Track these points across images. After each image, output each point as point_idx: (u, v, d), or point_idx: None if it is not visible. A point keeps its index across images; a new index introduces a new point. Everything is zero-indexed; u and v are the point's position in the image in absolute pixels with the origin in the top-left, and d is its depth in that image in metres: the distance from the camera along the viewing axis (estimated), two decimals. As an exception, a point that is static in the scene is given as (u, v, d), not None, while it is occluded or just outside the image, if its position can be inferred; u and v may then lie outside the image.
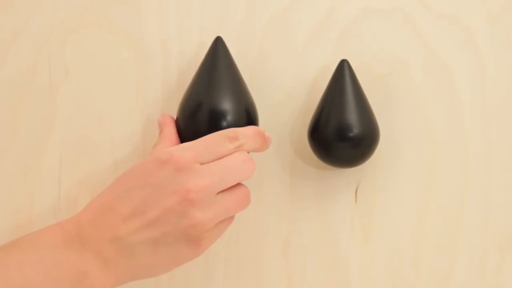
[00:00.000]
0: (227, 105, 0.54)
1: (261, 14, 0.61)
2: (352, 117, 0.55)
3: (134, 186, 0.47)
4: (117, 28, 0.61)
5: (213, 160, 0.49)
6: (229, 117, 0.54)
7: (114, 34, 0.61)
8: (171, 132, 0.55)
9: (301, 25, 0.61)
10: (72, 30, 0.61)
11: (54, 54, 0.60)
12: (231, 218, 0.51)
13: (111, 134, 0.60)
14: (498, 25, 0.61)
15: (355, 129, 0.55)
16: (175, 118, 0.57)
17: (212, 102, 0.54)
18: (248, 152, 0.52)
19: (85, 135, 0.60)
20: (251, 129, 0.52)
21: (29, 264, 0.45)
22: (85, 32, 0.61)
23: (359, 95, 0.56)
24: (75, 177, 0.60)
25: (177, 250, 0.47)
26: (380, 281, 0.59)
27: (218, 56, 0.56)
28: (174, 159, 0.47)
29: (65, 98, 0.60)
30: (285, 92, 0.60)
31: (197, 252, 0.48)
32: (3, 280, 0.44)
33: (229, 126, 0.54)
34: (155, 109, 0.60)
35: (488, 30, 0.60)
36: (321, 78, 0.60)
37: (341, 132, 0.55)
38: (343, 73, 0.56)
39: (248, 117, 0.55)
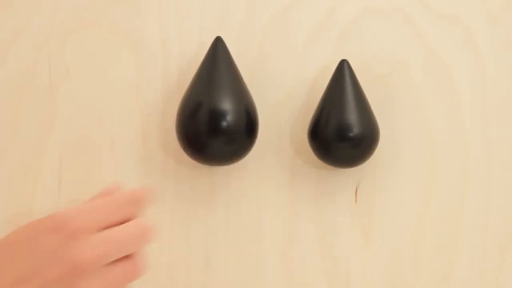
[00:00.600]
0: (227, 105, 0.54)
1: (261, 14, 0.61)
2: (352, 117, 0.55)
3: (21, 252, 0.46)
4: (117, 28, 0.60)
5: (107, 228, 0.47)
6: (229, 117, 0.54)
7: (114, 34, 0.60)
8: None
9: (301, 25, 0.61)
10: (72, 30, 0.61)
11: (54, 54, 0.60)
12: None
13: (111, 134, 0.60)
14: (498, 25, 0.61)
15: (355, 129, 0.55)
16: (175, 118, 0.57)
17: (212, 102, 0.54)
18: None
19: (85, 135, 0.60)
20: (135, 194, 0.49)
21: None
22: (85, 32, 0.60)
23: (359, 95, 0.56)
24: (75, 177, 0.60)
25: None
26: (380, 281, 0.59)
27: (218, 56, 0.56)
28: (65, 225, 0.45)
29: (65, 98, 0.60)
30: (285, 92, 0.60)
31: None
32: None
33: (229, 126, 0.54)
34: (155, 109, 0.60)
35: (488, 30, 0.60)
36: (321, 78, 0.60)
37: (341, 132, 0.55)
38: (343, 73, 0.56)
39: (248, 117, 0.55)
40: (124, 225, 0.48)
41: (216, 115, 0.54)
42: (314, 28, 0.61)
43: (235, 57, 0.57)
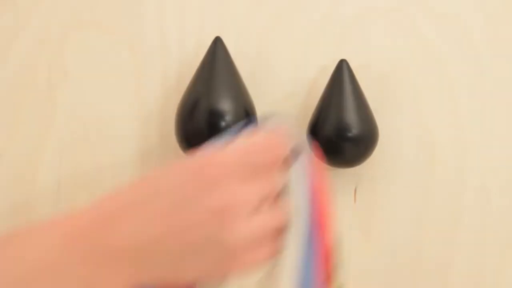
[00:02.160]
0: (226, 105, 0.54)
1: (261, 14, 0.61)
2: (351, 117, 0.55)
3: (162, 191, 0.44)
4: (117, 28, 0.61)
5: (250, 174, 0.45)
6: (228, 117, 0.54)
7: (114, 34, 0.61)
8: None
9: (301, 25, 0.61)
10: (72, 30, 0.61)
11: (53, 54, 0.60)
12: (267, 250, 0.46)
13: (111, 134, 0.60)
14: (498, 25, 0.60)
15: (354, 129, 0.55)
16: (174, 118, 0.57)
17: (211, 102, 0.54)
18: None
19: (85, 135, 0.60)
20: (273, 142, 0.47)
21: (24, 265, 0.40)
22: (84, 32, 0.61)
23: (358, 95, 0.56)
24: (75, 177, 0.60)
25: (200, 266, 0.43)
26: (380, 280, 0.59)
27: (217, 57, 0.56)
28: (211, 170, 0.44)
29: (64, 98, 0.60)
30: (284, 92, 0.60)
31: (221, 274, 0.44)
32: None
33: (228, 126, 0.54)
34: (155, 109, 0.60)
35: (488, 30, 0.60)
36: (321, 78, 0.60)
37: (340, 132, 0.55)
38: (342, 73, 0.56)
39: (247, 117, 0.55)
40: (266, 170, 0.46)
41: (215, 115, 0.54)
42: (314, 28, 0.61)
43: (235, 57, 0.57)
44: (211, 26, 0.61)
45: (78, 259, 0.41)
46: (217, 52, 0.56)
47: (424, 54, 0.60)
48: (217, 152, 0.45)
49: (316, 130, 0.56)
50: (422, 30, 0.60)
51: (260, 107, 0.58)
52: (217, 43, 0.57)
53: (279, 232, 0.46)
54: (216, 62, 0.56)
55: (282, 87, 0.60)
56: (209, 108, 0.54)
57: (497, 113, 0.60)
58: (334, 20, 0.61)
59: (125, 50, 0.61)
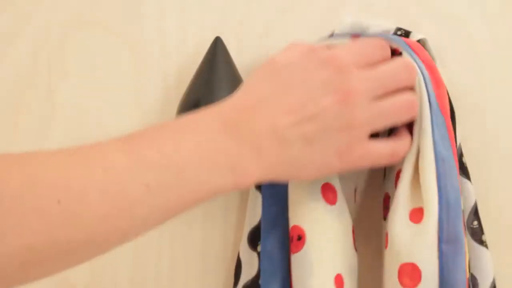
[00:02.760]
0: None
1: (261, 14, 0.61)
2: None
3: (294, 82, 0.48)
4: (117, 28, 0.61)
5: (369, 66, 0.50)
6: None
7: (114, 34, 0.61)
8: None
9: (301, 25, 0.61)
10: (72, 30, 0.61)
11: (53, 54, 0.60)
12: (387, 147, 0.51)
13: (110, 134, 0.60)
14: (498, 25, 0.60)
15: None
16: (174, 118, 0.57)
17: (211, 102, 0.54)
18: None
19: (85, 136, 0.60)
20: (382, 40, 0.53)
21: (185, 146, 0.44)
22: (84, 32, 0.61)
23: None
24: (75, 177, 0.60)
25: (327, 155, 0.48)
26: (380, 280, 0.59)
27: (217, 57, 0.56)
28: (335, 60, 0.48)
29: (64, 98, 0.60)
30: (284, 92, 0.60)
31: (343, 162, 0.48)
32: (159, 158, 0.43)
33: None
34: (155, 110, 0.60)
35: (488, 30, 0.60)
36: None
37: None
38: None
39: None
40: (389, 61, 0.51)
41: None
42: (314, 28, 0.61)
43: (235, 57, 0.57)
44: (211, 26, 0.61)
45: (230, 142, 0.46)
46: (217, 52, 0.56)
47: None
48: (334, 50, 0.50)
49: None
50: (422, 30, 0.60)
51: (260, 107, 0.58)
52: (217, 43, 0.57)
53: (402, 121, 0.50)
54: (216, 62, 0.56)
55: (282, 87, 0.60)
56: (209, 108, 0.54)
57: (498, 113, 0.60)
58: (333, 20, 0.61)
59: (125, 50, 0.61)
